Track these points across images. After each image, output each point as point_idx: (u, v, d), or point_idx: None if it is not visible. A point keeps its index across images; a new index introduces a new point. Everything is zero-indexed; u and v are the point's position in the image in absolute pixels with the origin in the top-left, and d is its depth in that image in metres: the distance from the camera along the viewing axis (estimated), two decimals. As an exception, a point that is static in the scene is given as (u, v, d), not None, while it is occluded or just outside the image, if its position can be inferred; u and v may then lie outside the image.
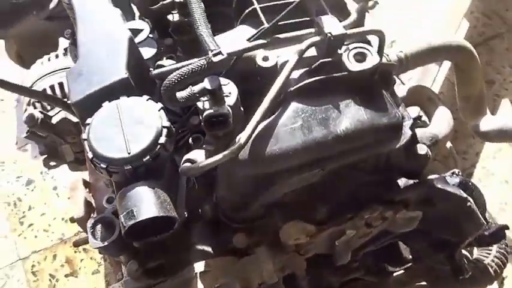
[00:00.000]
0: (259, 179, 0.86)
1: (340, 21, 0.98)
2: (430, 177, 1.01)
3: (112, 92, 0.88)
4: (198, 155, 0.87)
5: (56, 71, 1.42)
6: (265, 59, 0.90)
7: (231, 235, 0.93)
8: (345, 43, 0.92)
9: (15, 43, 1.61)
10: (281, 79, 0.87)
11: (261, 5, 0.98)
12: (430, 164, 0.99)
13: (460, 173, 1.18)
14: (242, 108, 0.91)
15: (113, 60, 0.91)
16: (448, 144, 1.62)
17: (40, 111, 1.39)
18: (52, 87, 1.39)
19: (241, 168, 0.84)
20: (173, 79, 0.80)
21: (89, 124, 0.86)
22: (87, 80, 0.91)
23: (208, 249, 0.91)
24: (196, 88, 0.83)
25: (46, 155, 1.51)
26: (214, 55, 0.80)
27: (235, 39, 0.97)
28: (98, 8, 0.97)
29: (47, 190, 2.24)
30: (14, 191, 2.27)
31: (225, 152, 0.80)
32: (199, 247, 0.91)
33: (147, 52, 0.99)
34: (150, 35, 1.00)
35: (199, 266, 0.90)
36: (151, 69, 0.96)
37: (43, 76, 1.44)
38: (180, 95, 0.82)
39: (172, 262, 0.91)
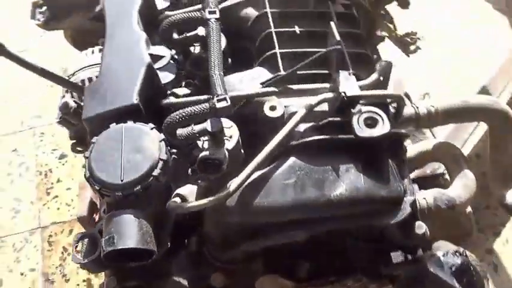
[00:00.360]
0: (244, 228, 0.86)
1: (361, 79, 0.96)
2: (427, 254, 0.97)
3: (121, 115, 0.91)
4: (189, 191, 0.88)
5: (97, 64, 1.47)
6: (273, 108, 0.89)
7: (210, 272, 0.94)
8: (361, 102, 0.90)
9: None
10: (284, 131, 0.86)
11: (282, 50, 0.97)
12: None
13: (465, 253, 1.13)
14: (243, 151, 0.91)
15: (128, 84, 0.93)
16: (468, 209, 1.55)
17: (75, 101, 1.45)
18: (89, 79, 1.44)
19: (227, 215, 0.85)
20: (175, 118, 0.81)
21: (93, 143, 0.88)
22: (102, 99, 0.94)
23: (185, 282, 0.93)
24: (197, 128, 0.84)
25: (75, 140, 1.57)
26: (219, 101, 0.80)
27: (250, 80, 0.97)
28: (126, 29, 0.99)
29: (77, 167, 2.33)
30: (47, 162, 2.37)
31: (211, 198, 0.80)
32: (176, 278, 0.93)
33: (166, 77, 1.00)
34: (173, 60, 1.01)
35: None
36: (167, 95, 0.98)
37: (84, 67, 1.49)
38: (181, 132, 0.84)
39: (150, 287, 0.93)
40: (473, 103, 1.34)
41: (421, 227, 0.92)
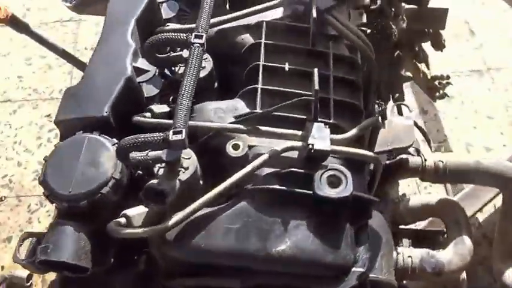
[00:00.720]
0: (182, 263, 0.84)
1: (344, 131, 0.91)
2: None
3: (89, 124, 0.91)
4: (138, 213, 0.86)
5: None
6: (235, 147, 0.86)
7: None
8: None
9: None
10: (241, 173, 0.83)
11: (264, 87, 0.93)
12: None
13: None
14: (205, 181, 0.89)
15: (104, 95, 0.93)
16: (462, 276, 1.45)
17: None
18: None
19: (166, 247, 0.83)
20: (128, 143, 0.80)
21: (55, 148, 0.89)
22: (76, 104, 0.94)
23: (127, 300, 0.93)
24: (152, 154, 0.82)
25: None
26: (174, 133, 0.78)
27: (225, 112, 0.94)
28: (119, 38, 0.99)
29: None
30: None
31: (147, 229, 0.79)
32: (118, 295, 0.92)
33: (150, 91, 0.99)
34: (160, 74, 1.00)
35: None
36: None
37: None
38: (134, 155, 0.82)
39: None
40: (486, 166, 1.24)
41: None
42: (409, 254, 1.14)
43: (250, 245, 0.81)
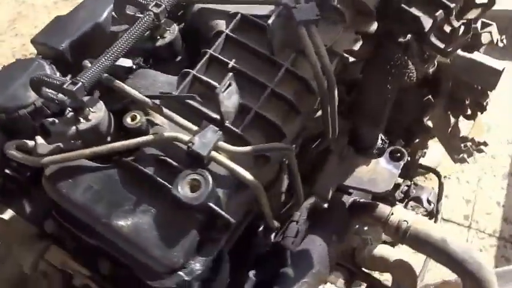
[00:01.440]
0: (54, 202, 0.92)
1: (241, 145, 0.88)
2: None
3: (49, 53, 1.02)
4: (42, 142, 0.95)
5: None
6: (133, 118, 0.89)
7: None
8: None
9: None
10: (120, 143, 0.87)
11: (198, 75, 0.94)
12: None
13: None
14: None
15: (72, 31, 1.02)
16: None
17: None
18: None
19: (43, 180, 0.91)
20: (39, 77, 0.87)
21: (12, 62, 1.02)
22: (52, 32, 1.05)
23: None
24: (60, 97, 0.89)
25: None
26: (71, 83, 0.84)
27: (158, 83, 0.97)
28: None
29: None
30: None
31: (22, 156, 0.88)
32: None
33: (123, 62, 1.04)
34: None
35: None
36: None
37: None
38: (45, 92, 0.90)
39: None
40: (451, 250, 1.10)
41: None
42: None
43: (98, 208, 0.85)
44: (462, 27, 1.14)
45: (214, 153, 0.85)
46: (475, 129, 1.56)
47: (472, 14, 1.53)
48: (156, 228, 0.83)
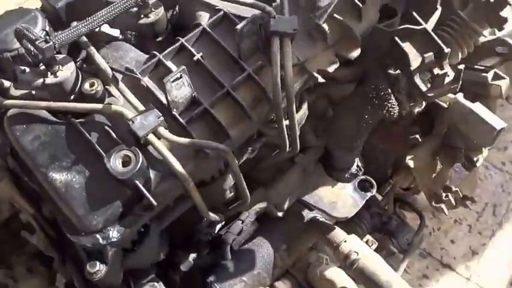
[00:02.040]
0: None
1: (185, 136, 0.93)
2: None
3: (47, 10, 1.10)
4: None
5: None
6: (91, 84, 0.96)
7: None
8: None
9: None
10: (74, 105, 0.95)
11: (164, 60, 0.99)
12: None
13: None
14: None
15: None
16: None
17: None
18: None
19: (5, 120, 0.99)
20: (20, 30, 0.95)
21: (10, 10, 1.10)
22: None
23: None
24: (39, 45, 0.96)
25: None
26: (43, 41, 0.91)
27: (128, 58, 1.04)
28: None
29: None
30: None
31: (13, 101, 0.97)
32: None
33: (112, 32, 1.11)
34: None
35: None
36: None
37: None
38: (25, 44, 0.97)
39: None
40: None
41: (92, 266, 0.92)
42: None
43: (40, 158, 0.93)
44: (452, 75, 1.12)
45: (153, 138, 0.90)
46: (467, 180, 1.51)
47: (488, 62, 1.51)
48: (85, 190, 0.90)
